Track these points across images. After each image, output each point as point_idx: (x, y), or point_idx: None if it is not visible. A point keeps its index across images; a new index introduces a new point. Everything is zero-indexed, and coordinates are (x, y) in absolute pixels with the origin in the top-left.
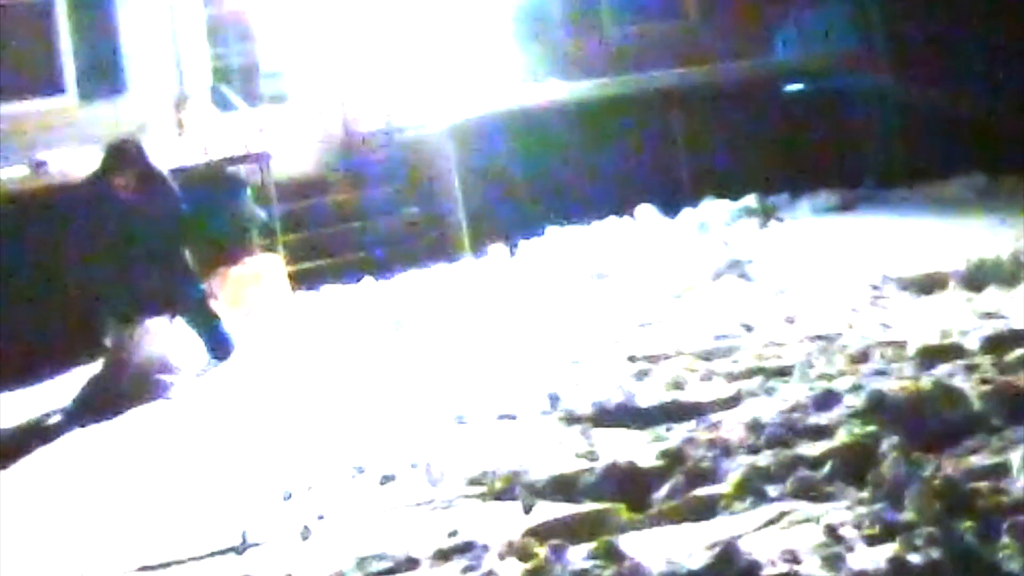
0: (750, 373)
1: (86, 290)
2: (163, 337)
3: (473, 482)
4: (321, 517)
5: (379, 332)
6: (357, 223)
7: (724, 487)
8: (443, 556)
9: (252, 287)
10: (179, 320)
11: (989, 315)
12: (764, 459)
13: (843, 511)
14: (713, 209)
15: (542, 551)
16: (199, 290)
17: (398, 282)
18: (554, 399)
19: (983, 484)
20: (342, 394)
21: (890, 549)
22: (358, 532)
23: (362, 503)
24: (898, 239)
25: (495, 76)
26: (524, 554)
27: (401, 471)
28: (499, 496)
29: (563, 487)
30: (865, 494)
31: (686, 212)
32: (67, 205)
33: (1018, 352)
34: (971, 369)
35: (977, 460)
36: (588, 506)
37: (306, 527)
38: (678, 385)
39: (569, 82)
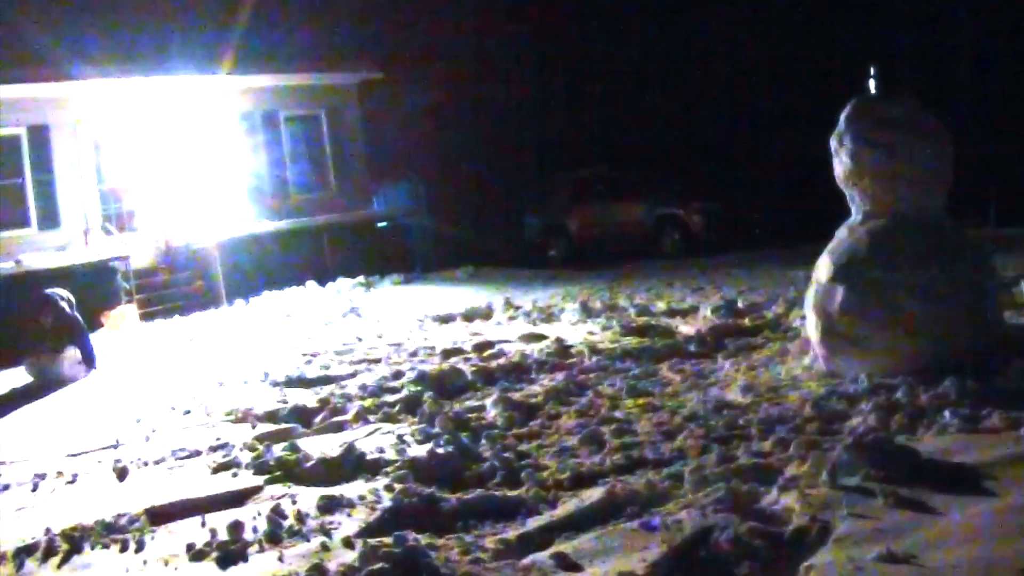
0: (361, 361)
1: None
2: (75, 354)
3: (228, 414)
4: (154, 431)
5: (182, 343)
6: (171, 289)
7: (348, 416)
8: (213, 449)
9: (121, 320)
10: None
11: (476, 334)
12: (368, 402)
13: (406, 427)
14: (343, 282)
15: (261, 447)
16: (86, 335)
17: (191, 319)
18: (266, 374)
19: (473, 415)
20: (163, 372)
21: (428, 447)
22: (172, 437)
23: (173, 424)
24: (431, 298)
25: (239, 217)
26: (253, 448)
27: (193, 408)
28: (239, 421)
29: (271, 416)
30: (416, 419)
31: (330, 284)
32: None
33: (491, 351)
34: (467, 360)
35: (471, 403)
36: (283, 425)
37: (147, 436)
38: (326, 367)
39: (273, 221)
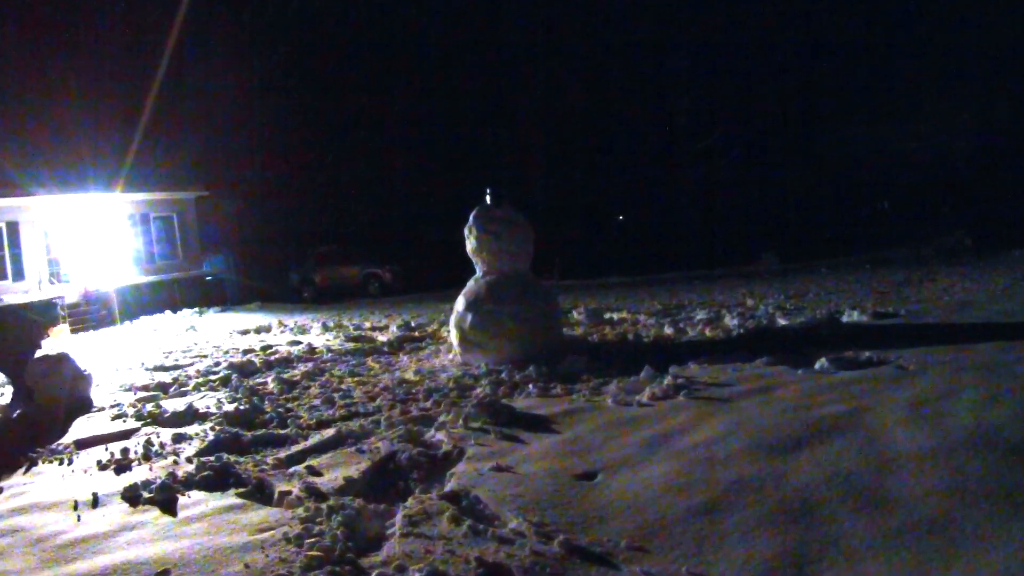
0: (196, 356)
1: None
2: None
3: (120, 386)
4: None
5: (95, 346)
6: (88, 315)
7: (189, 388)
8: (112, 406)
9: (59, 333)
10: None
11: (262, 340)
12: (200, 380)
13: (222, 394)
14: (186, 311)
15: (139, 405)
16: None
17: (100, 332)
18: (142, 363)
19: (260, 387)
20: (84, 363)
21: (234, 405)
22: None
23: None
24: (236, 320)
25: (127, 273)
26: (134, 406)
27: (100, 383)
28: (127, 390)
29: (145, 387)
30: (228, 390)
31: (179, 312)
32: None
33: (270, 350)
34: (257, 355)
35: (259, 380)
36: (152, 393)
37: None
38: (176, 359)
39: (147, 276)
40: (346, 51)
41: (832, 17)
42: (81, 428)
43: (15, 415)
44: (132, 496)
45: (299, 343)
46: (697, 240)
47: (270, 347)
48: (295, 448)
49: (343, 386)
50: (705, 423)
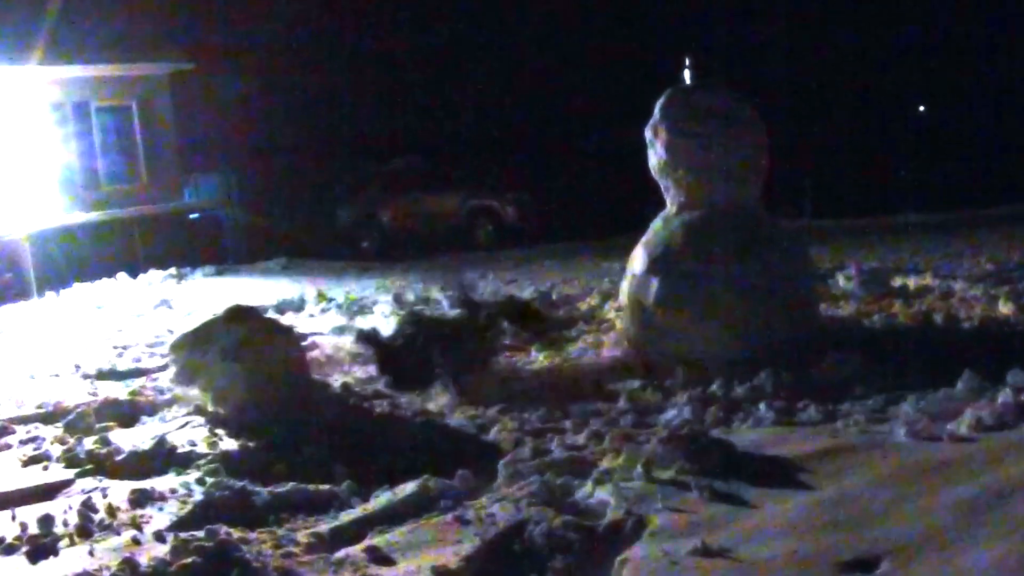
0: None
1: None
2: None
3: (38, 407)
4: None
5: None
6: None
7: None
8: (23, 443)
9: None
10: None
11: (346, 328)
12: (178, 393)
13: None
14: (155, 274)
15: (72, 439)
16: None
17: (4, 311)
18: (77, 367)
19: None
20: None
21: (240, 440)
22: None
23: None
24: (244, 289)
25: (49, 209)
26: (64, 441)
27: (1, 402)
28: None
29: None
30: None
31: (141, 276)
32: None
33: (303, 343)
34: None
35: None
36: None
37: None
38: (137, 360)
39: (84, 213)
40: None
41: None
42: None
43: None
44: None
45: (353, 330)
46: None
47: (302, 338)
48: (346, 516)
49: (430, 406)
50: None
